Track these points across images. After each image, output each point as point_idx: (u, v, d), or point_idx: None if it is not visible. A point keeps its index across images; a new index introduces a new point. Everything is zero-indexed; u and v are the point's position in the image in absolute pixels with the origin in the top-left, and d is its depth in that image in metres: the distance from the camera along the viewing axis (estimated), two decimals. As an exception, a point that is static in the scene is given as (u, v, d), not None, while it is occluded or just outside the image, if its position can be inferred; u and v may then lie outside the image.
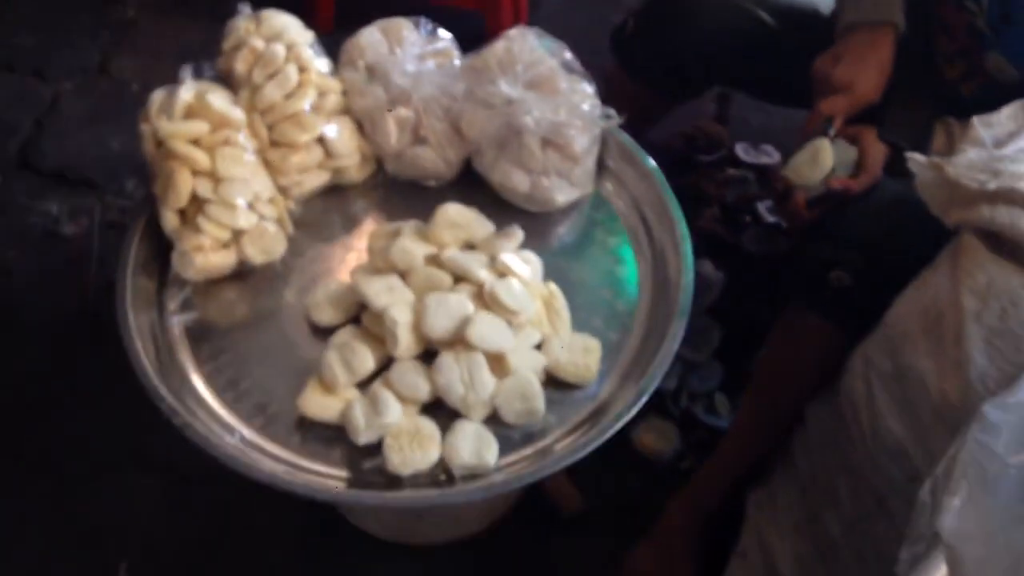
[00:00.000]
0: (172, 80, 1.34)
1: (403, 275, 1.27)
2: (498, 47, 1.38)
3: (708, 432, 1.68)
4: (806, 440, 1.39)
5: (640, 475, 1.68)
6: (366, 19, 1.47)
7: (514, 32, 1.39)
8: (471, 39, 1.46)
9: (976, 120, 1.17)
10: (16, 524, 1.64)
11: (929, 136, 1.39)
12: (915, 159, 1.14)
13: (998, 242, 1.05)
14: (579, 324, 1.28)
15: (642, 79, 1.66)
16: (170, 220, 1.28)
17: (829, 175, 1.34)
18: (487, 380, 1.17)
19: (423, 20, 1.44)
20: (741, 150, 1.98)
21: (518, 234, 1.32)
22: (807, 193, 1.35)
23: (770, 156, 1.97)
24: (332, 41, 1.45)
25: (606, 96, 1.42)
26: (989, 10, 1.33)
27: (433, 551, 1.62)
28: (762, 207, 1.86)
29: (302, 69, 1.36)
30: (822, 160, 1.34)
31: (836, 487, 1.30)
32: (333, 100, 1.39)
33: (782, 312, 1.41)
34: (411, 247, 1.27)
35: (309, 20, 1.47)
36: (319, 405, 1.19)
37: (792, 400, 1.41)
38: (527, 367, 1.21)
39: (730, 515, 1.52)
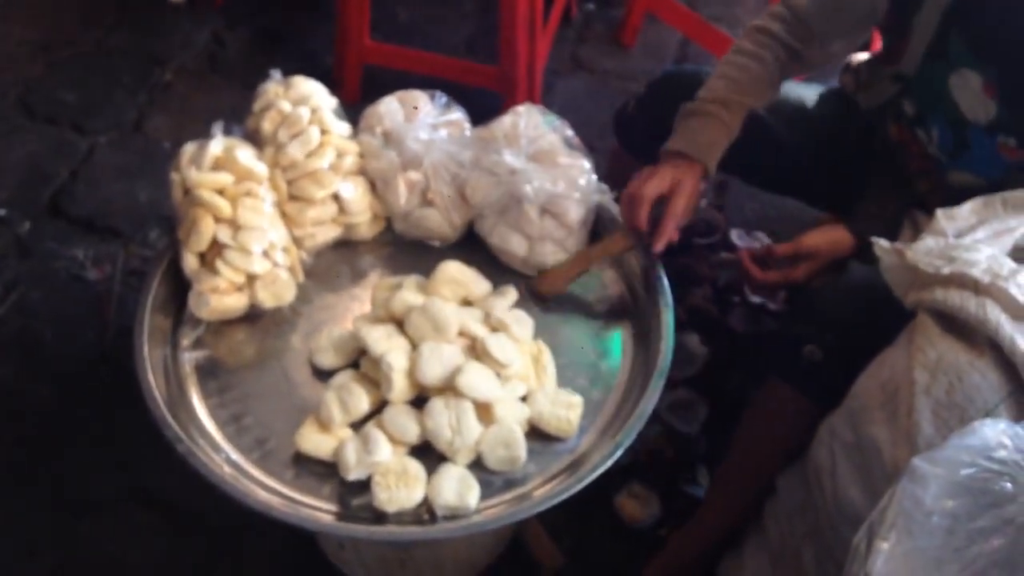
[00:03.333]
0: (202, 139, 1.42)
1: (402, 325, 1.34)
2: (505, 121, 1.48)
3: (688, 502, 1.72)
4: (776, 508, 1.44)
5: (620, 540, 1.72)
6: (390, 91, 1.56)
7: (522, 108, 1.49)
8: (491, 115, 1.53)
9: (940, 212, 1.25)
10: (22, 552, 1.69)
11: (899, 229, 1.48)
12: (880, 244, 1.22)
13: (950, 322, 1.13)
14: (564, 381, 1.35)
15: (640, 157, 1.75)
16: (190, 262, 1.37)
17: None
18: (473, 427, 1.24)
19: (438, 93, 1.53)
20: (735, 235, 2.06)
21: (512, 294, 1.40)
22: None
23: (762, 242, 2.04)
24: (356, 109, 1.55)
25: (608, 173, 1.48)
26: (941, 141, 1.43)
27: (417, 601, 1.65)
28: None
29: (324, 131, 1.45)
30: None
31: (801, 554, 1.35)
32: (350, 161, 1.47)
33: (759, 385, 1.47)
34: (411, 299, 1.34)
35: (336, 89, 1.57)
36: (314, 442, 1.26)
37: (765, 469, 1.46)
38: (512, 417, 1.27)
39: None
